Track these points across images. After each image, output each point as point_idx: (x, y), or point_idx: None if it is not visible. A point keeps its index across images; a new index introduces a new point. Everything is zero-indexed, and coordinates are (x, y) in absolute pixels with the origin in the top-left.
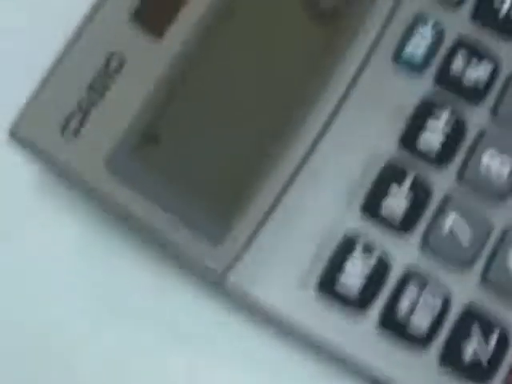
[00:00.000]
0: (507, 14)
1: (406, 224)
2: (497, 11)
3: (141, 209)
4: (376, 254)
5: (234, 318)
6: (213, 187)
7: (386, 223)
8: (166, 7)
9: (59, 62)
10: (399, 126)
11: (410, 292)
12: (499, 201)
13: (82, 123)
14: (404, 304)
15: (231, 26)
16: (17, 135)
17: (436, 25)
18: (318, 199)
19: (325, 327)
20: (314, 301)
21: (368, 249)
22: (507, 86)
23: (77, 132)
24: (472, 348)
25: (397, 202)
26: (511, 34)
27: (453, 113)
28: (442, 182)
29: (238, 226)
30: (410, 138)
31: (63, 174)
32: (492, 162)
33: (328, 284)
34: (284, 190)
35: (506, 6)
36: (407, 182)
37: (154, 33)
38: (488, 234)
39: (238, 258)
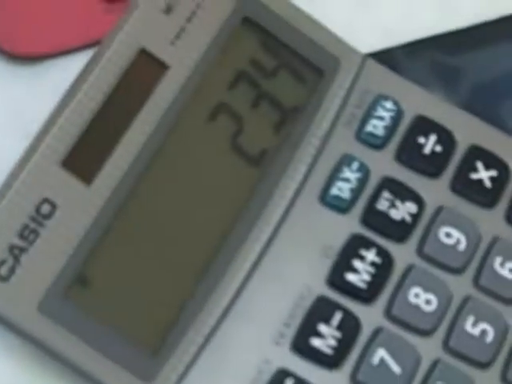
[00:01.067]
0: (429, 156)
1: (335, 361)
2: (419, 152)
3: (74, 351)
4: None
5: None
6: (144, 325)
7: (316, 360)
8: (96, 153)
9: None
10: (327, 264)
11: None
12: (426, 335)
13: (13, 269)
14: None
15: (161, 168)
16: None
17: (361, 166)
18: (248, 337)
19: None
20: None
21: None
22: (431, 226)
23: (8, 278)
24: None
25: (325, 340)
26: (434, 174)
27: (378, 253)
28: (370, 318)
29: (169, 364)
30: (336, 277)
31: None
32: (417, 301)
33: None
34: (214, 328)
35: (428, 148)
36: (335, 320)
37: (84, 179)
38: (417, 367)
39: None
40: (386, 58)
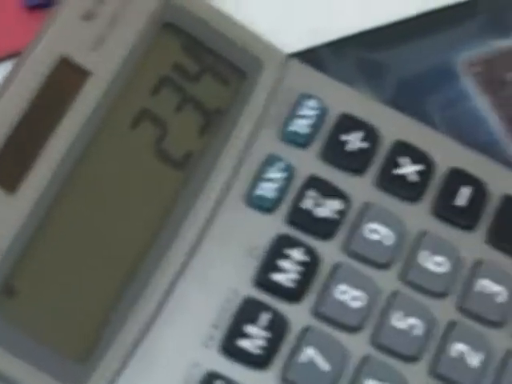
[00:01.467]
0: (354, 153)
1: (265, 361)
2: (344, 150)
3: (1, 362)
4: None
5: None
6: (72, 334)
7: (245, 362)
8: (19, 162)
9: None
10: (253, 265)
11: None
12: (354, 332)
13: None
14: None
15: (85, 176)
16: None
17: (286, 165)
18: (177, 341)
19: None
20: None
21: None
22: (357, 222)
23: None
24: None
25: (253, 340)
26: (359, 171)
27: (305, 252)
28: (298, 317)
29: (98, 371)
30: (263, 277)
31: None
32: (345, 297)
33: None
34: (143, 332)
35: (352, 145)
36: (263, 321)
37: (7, 188)
38: (346, 364)
39: None
40: (312, 57)
